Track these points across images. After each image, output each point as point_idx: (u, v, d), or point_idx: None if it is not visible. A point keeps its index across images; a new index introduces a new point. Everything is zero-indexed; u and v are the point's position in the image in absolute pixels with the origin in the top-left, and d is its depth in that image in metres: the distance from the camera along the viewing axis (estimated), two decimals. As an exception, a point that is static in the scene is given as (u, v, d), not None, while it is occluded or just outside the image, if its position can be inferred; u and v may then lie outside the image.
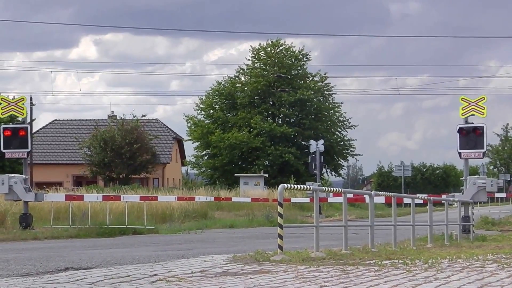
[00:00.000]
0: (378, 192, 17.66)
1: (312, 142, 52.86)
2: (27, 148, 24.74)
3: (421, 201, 21.72)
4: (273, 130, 68.79)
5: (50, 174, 67.04)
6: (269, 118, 71.64)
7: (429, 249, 16.22)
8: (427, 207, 19.78)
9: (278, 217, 12.55)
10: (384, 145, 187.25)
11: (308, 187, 14.42)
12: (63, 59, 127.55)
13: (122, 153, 59.97)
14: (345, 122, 73.33)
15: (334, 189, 17.96)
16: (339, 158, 73.50)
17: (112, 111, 74.36)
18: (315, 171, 49.97)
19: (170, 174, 73.71)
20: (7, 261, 13.04)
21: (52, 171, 68.49)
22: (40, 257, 14.16)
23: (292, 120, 71.71)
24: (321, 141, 52.18)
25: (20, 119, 25.79)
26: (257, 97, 71.16)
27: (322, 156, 51.53)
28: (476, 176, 24.71)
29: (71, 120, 77.26)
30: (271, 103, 71.66)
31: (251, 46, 73.93)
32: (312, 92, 70.95)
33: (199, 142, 71.66)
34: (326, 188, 16.19)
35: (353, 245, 15.37)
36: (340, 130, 73.40)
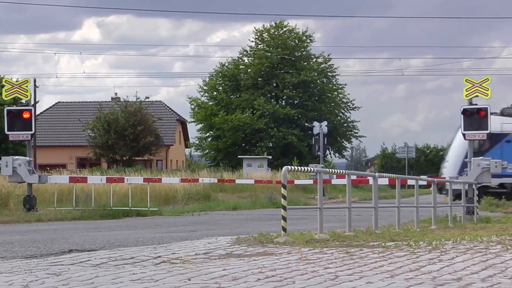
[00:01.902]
0: (382, 173, 17.64)
1: (315, 123, 52.86)
2: (31, 130, 24.72)
3: (425, 183, 21.69)
4: (277, 111, 68.76)
5: (53, 156, 67.13)
6: (272, 100, 71.60)
7: (433, 231, 16.22)
8: (431, 188, 19.77)
9: (282, 199, 12.54)
10: (387, 127, 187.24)
11: (312, 169, 14.40)
12: (66, 41, 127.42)
13: (125, 135, 59.99)
14: (349, 104, 73.32)
15: (338, 171, 17.94)
16: (343, 140, 73.52)
17: (116, 93, 74.48)
18: (318, 153, 49.96)
19: (174, 156, 73.77)
20: (11, 243, 13.06)
21: (56, 153, 68.57)
22: (44, 239, 14.18)
23: (295, 101, 71.67)
24: (325, 123, 52.15)
25: (23, 101, 25.78)
26: (260, 79, 71.09)
27: (325, 138, 51.51)
28: (481, 158, 24.66)
29: (74, 102, 77.30)
30: (275, 84, 71.58)
31: (254, 28, 74.01)
32: (316, 74, 70.88)
33: (202, 124, 71.70)
34: (330, 170, 16.17)
35: (356, 227, 15.37)
36: (343, 111, 73.40)
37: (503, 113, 39.93)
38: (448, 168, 38.93)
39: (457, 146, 39.53)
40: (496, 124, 38.97)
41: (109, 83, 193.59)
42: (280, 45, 70.93)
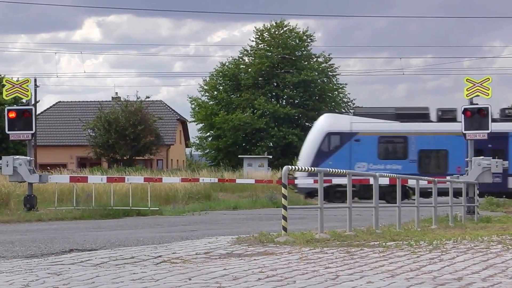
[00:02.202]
0: (383, 173, 17.64)
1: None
2: (32, 129, 24.71)
3: (425, 182, 21.68)
4: (277, 111, 68.76)
5: (54, 155, 67.14)
6: (273, 99, 71.60)
7: (433, 231, 16.21)
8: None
9: (283, 199, 12.54)
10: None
11: (312, 168, 14.39)
12: (66, 41, 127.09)
13: (126, 135, 60.01)
14: (349, 103, 73.36)
15: (338, 170, 17.92)
16: (343, 139, 73.45)
17: (116, 93, 74.47)
18: (319, 153, 49.87)
19: (174, 155, 73.78)
20: (12, 243, 13.05)
21: (56, 153, 68.58)
22: (44, 238, 14.18)
23: (296, 101, 71.69)
24: (325, 122, 52.01)
25: (24, 101, 25.77)
26: (261, 78, 71.09)
27: (326, 138, 51.38)
28: (481, 157, 24.64)
29: (75, 101, 77.32)
30: (275, 84, 71.58)
31: (255, 28, 73.98)
32: (316, 73, 70.87)
33: (203, 124, 71.70)
34: (330, 170, 16.13)
35: (357, 227, 15.37)
36: (344, 111, 73.39)
37: (354, 112, 41.12)
38: (300, 165, 39.91)
39: (309, 144, 40.34)
40: (345, 123, 40.15)
41: (109, 83, 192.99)
42: (281, 45, 70.93)
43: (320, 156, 39.01)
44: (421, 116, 40.15)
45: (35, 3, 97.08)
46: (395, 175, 18.47)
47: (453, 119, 39.66)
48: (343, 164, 38.00)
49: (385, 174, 18.38)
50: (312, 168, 14.44)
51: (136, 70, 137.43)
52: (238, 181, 39.25)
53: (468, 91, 23.94)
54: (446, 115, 40.23)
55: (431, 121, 39.85)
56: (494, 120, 39.66)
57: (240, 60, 73.14)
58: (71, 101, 77.57)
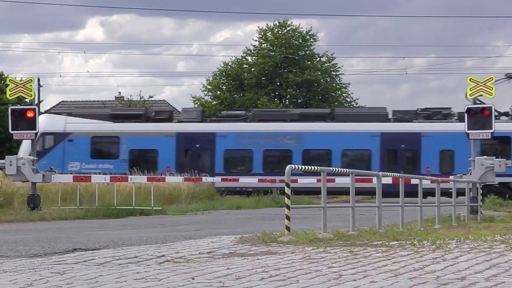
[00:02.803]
0: (386, 173, 17.63)
1: (319, 123, 52.70)
2: (35, 129, 24.74)
3: (428, 182, 21.69)
4: (280, 111, 68.77)
5: (57, 155, 67.09)
6: (276, 99, 71.56)
7: (436, 230, 16.21)
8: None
9: (286, 198, 12.54)
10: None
11: (316, 168, 14.39)
12: (70, 41, 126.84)
13: (129, 134, 60.04)
14: (352, 103, 73.26)
15: (341, 169, 17.91)
16: (346, 139, 73.39)
17: (119, 92, 74.45)
18: (322, 152, 49.89)
19: (177, 155, 73.69)
20: (16, 242, 13.07)
21: (60, 152, 68.56)
22: (48, 238, 14.19)
23: (299, 101, 71.63)
24: (328, 122, 52.03)
25: (28, 100, 25.81)
26: (264, 78, 71.06)
27: (329, 137, 51.40)
28: (484, 157, 24.62)
29: (78, 101, 77.32)
30: (278, 84, 71.55)
31: (258, 27, 73.83)
32: (319, 73, 70.82)
33: (206, 123, 71.69)
34: (334, 169, 16.13)
35: (360, 226, 15.37)
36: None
37: (71, 113, 42.78)
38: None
39: (25, 144, 41.03)
40: (60, 124, 41.10)
41: (112, 82, 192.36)
42: (284, 44, 70.89)
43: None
44: (135, 116, 40.98)
45: (38, 3, 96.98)
46: (398, 174, 18.47)
47: (166, 120, 40.86)
48: (57, 163, 39.14)
49: (388, 173, 18.34)
50: (315, 168, 14.39)
51: (139, 69, 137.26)
52: (241, 180, 39.25)
53: (471, 90, 23.93)
54: (159, 116, 41.30)
55: (145, 122, 40.79)
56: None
57: (243, 59, 73.10)
58: (74, 101, 77.59)
